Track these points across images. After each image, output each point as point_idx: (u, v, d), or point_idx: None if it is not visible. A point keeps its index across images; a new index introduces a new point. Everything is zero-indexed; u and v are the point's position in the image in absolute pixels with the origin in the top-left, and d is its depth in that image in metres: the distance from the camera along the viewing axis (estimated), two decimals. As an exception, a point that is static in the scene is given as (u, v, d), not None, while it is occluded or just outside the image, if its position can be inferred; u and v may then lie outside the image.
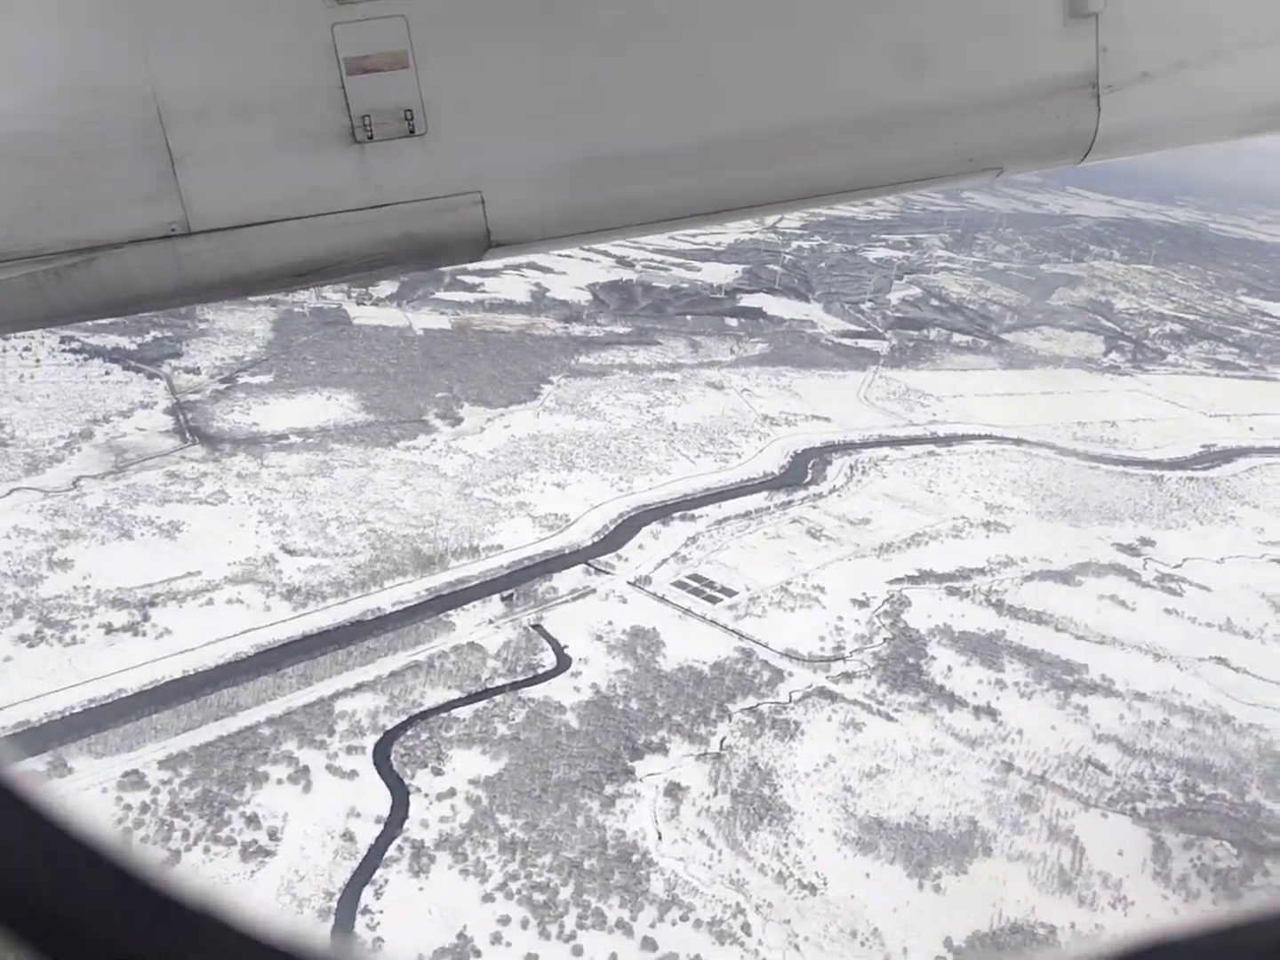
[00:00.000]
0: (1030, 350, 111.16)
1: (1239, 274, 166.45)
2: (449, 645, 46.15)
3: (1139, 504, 71.96)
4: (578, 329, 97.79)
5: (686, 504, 63.12)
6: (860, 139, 3.95)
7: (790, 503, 65.56)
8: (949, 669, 49.37)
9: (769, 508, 64.45)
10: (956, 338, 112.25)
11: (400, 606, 48.42)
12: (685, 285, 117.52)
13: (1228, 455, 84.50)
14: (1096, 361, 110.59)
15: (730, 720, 43.89)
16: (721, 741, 42.44)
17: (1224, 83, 4.09)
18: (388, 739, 39.74)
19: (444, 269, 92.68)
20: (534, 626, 48.50)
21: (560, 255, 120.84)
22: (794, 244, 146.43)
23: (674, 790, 39.21)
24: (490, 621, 48.57)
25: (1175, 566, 63.08)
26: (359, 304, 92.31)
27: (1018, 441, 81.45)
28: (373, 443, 65.21)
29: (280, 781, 37.62)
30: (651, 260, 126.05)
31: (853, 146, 3.97)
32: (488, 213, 3.83)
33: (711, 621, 51.28)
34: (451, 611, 48.64)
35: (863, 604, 54.53)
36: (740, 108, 3.81)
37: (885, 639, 51.51)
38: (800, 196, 4.26)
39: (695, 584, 54.65)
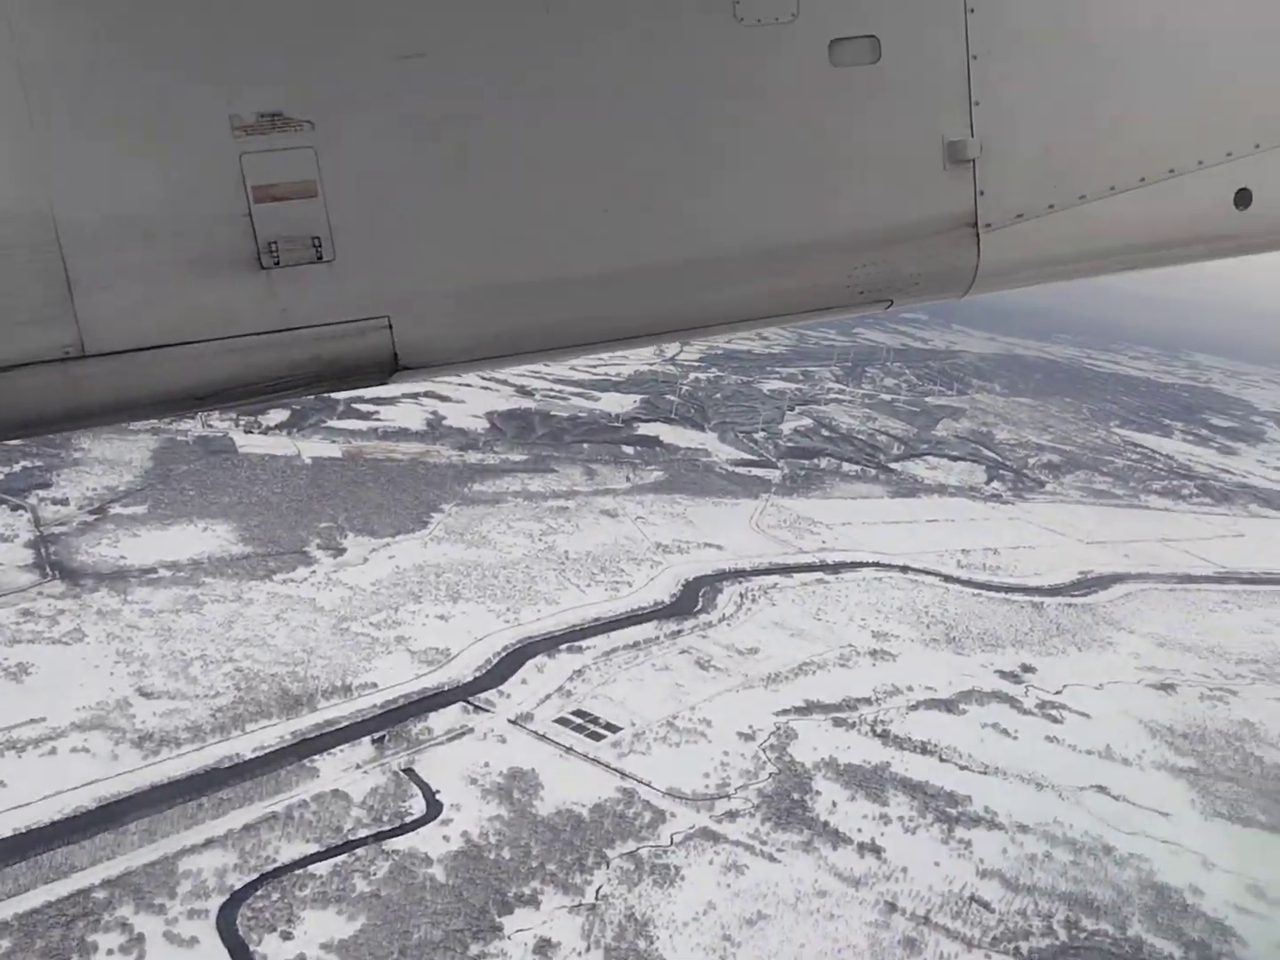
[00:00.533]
0: (916, 479, 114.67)
1: (1112, 406, 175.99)
2: (311, 794, 43.54)
3: (1020, 630, 73.40)
4: (473, 456, 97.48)
5: (574, 635, 62.04)
6: (756, 272, 4.14)
7: (680, 632, 65.02)
8: (834, 804, 48.54)
9: (658, 638, 63.75)
10: (846, 467, 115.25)
11: (261, 752, 45.80)
12: (583, 414, 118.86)
13: (1104, 581, 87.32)
14: (979, 490, 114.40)
15: (608, 867, 42.08)
16: (598, 891, 40.53)
17: (1091, 224, 4.45)
18: (235, 900, 36.84)
19: (340, 396, 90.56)
20: (405, 771, 46.26)
21: (459, 384, 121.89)
22: (691, 376, 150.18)
23: (544, 947, 36.99)
24: (358, 766, 46.15)
25: (1055, 693, 64.05)
26: (247, 432, 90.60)
27: (904, 569, 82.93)
28: (248, 576, 62.90)
29: (111, 952, 34.38)
30: (551, 390, 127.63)
31: (749, 279, 4.16)
32: (395, 337, 3.87)
33: (594, 760, 49.74)
34: (316, 756, 46.16)
35: (749, 737, 53.69)
36: (642, 241, 3.95)
37: (771, 774, 50.58)
38: (700, 325, 4.42)
39: (579, 720, 53.20)
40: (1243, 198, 4.60)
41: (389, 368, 3.98)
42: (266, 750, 45.85)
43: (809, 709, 57.16)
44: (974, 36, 4.06)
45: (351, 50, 3.64)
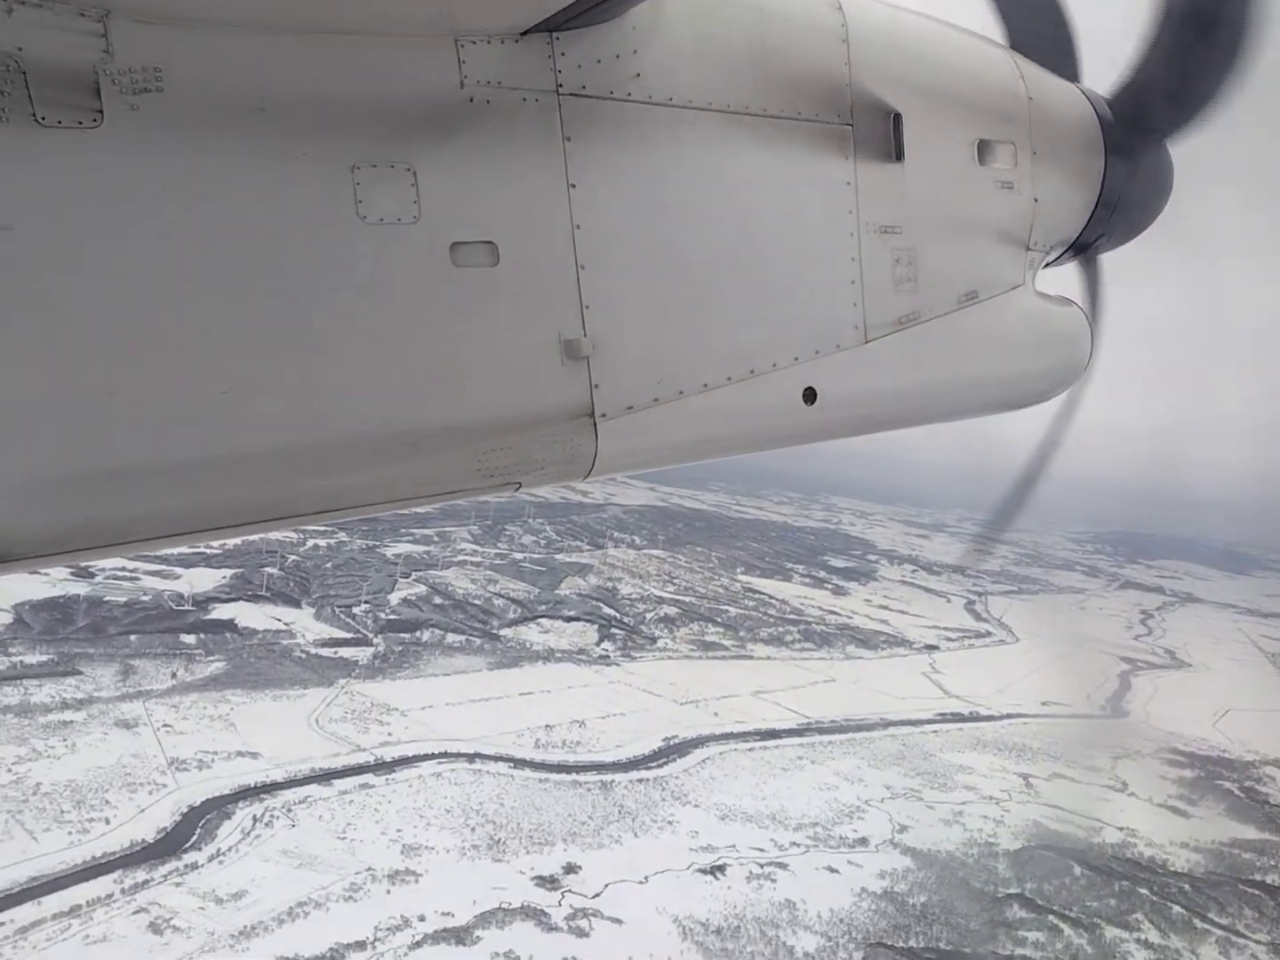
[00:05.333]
0: (524, 645, 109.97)
1: (740, 553, 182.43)
2: None
3: (578, 820, 68.23)
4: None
5: (-14, 910, 49.07)
6: (384, 456, 4.05)
7: (148, 882, 53.59)
8: None
9: (114, 894, 51.99)
10: (450, 638, 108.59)
11: None
12: (147, 597, 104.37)
13: (684, 748, 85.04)
14: (588, 652, 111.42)
15: None
16: None
17: (690, 417, 4.75)
18: None
19: None
20: None
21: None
22: (309, 543, 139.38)
23: None
24: None
25: (594, 896, 58.64)
26: None
27: (472, 758, 76.28)
28: None
29: None
30: (122, 570, 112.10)
31: (376, 463, 4.05)
32: None
33: None
34: None
35: (185, 1025, 43.40)
36: (266, 423, 3.74)
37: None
38: (327, 509, 4.08)
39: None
40: (809, 395, 5.15)
41: None
42: None
43: (279, 970, 47.70)
44: (581, 249, 4.32)
45: None
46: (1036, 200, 6.16)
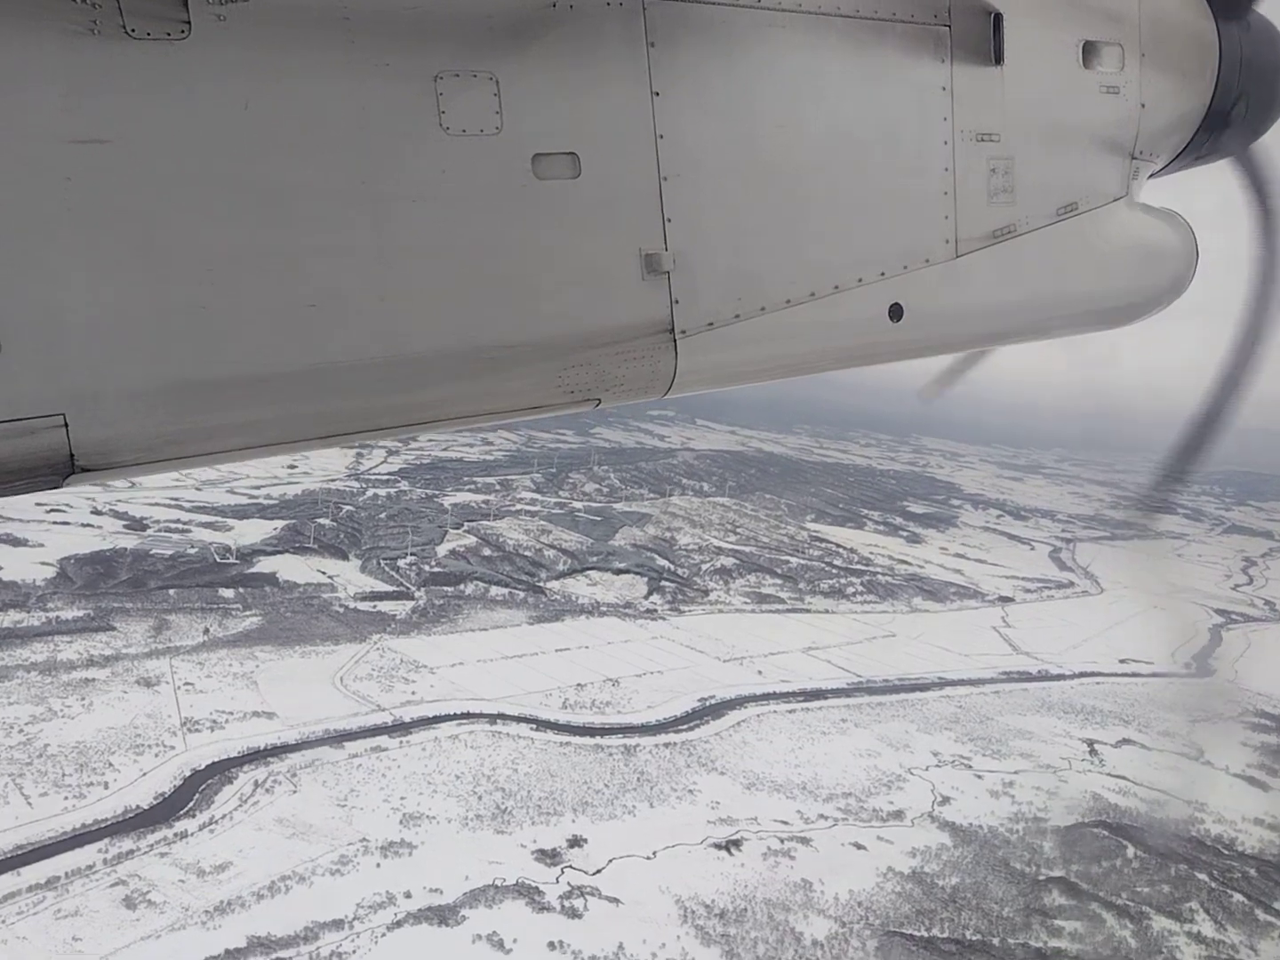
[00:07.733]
0: (570, 598, 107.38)
1: (812, 500, 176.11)
2: None
3: (592, 788, 65.21)
4: (10, 618, 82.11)
5: (-35, 879, 48.53)
6: (467, 371, 4.06)
7: (133, 852, 52.43)
8: None
9: (95, 865, 50.97)
10: (494, 591, 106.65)
11: None
12: (193, 550, 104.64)
13: (719, 709, 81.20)
14: (635, 606, 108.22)
15: None
16: None
17: (772, 334, 4.68)
18: None
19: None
20: None
21: (55, 523, 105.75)
22: (370, 492, 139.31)
23: None
24: None
25: (596, 873, 55.57)
26: None
27: (494, 719, 73.90)
28: None
29: None
30: (176, 521, 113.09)
31: (460, 378, 4.07)
32: (71, 436, 3.46)
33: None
34: None
35: (142, 1008, 41.90)
36: (352, 337, 3.79)
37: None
38: (412, 423, 4.16)
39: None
40: (895, 311, 5.01)
41: (64, 470, 3.58)
42: None
43: (249, 950, 45.83)
44: (664, 160, 4.25)
45: (24, 130, 3.26)
46: (1144, 106, 5.86)
